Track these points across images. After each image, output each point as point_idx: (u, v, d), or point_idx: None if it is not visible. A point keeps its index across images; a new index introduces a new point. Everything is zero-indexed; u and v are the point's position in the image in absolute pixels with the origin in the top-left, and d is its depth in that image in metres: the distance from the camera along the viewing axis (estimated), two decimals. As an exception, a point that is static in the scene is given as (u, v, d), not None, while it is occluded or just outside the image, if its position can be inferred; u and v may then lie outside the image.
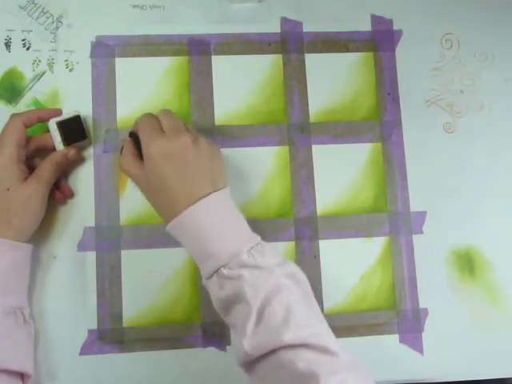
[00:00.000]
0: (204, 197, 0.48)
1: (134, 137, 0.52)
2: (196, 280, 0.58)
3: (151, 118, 0.51)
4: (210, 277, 0.48)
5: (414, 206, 0.61)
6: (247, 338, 0.44)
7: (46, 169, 0.54)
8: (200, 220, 0.48)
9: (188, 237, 0.49)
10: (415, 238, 0.61)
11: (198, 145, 0.50)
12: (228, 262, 0.46)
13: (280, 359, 0.43)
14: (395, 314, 0.59)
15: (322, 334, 0.45)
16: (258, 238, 0.49)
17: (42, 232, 0.56)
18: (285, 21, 0.63)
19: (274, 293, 0.45)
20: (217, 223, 0.48)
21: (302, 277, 0.48)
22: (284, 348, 0.43)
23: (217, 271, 0.47)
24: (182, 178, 0.48)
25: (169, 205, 0.49)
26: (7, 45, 0.60)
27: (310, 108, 0.62)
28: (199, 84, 0.61)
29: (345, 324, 0.59)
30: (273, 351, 0.44)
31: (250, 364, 0.45)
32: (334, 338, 0.46)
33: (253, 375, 0.46)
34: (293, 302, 0.45)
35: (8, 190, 0.51)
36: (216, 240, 0.47)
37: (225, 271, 0.46)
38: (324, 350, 0.43)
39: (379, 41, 0.64)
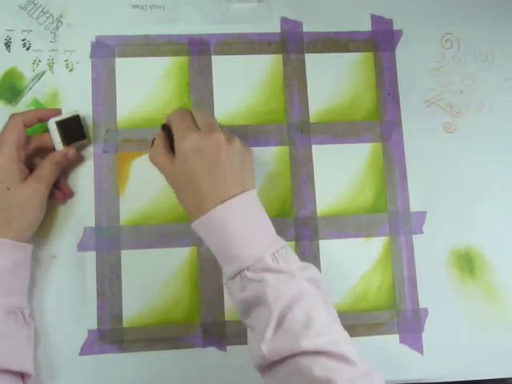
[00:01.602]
0: (233, 197, 0.47)
1: (167, 130, 0.51)
2: (196, 280, 0.58)
3: (186, 113, 0.51)
4: (233, 278, 0.48)
5: (414, 206, 0.61)
6: (266, 342, 0.44)
7: (46, 168, 0.54)
8: (227, 220, 0.47)
9: (213, 236, 0.48)
10: (415, 238, 0.61)
11: (232, 144, 0.49)
12: (252, 265, 0.46)
13: (297, 365, 0.43)
14: (395, 313, 0.59)
15: (341, 341, 0.45)
16: (282, 242, 0.49)
17: (41, 232, 0.56)
18: (285, 21, 0.63)
19: (296, 299, 0.45)
20: (243, 225, 0.47)
21: (321, 280, 0.48)
22: (302, 354, 0.43)
23: (240, 273, 0.47)
24: (211, 175, 0.48)
25: (196, 202, 0.48)
26: (7, 45, 0.60)
27: (310, 108, 0.62)
28: (199, 84, 0.61)
29: (345, 324, 0.58)
30: (291, 356, 0.44)
31: (266, 367, 0.45)
32: (352, 343, 0.46)
33: (268, 378, 0.46)
34: (313, 308, 0.45)
35: (8, 189, 0.51)
36: (241, 242, 0.47)
37: (248, 273, 0.46)
38: (342, 358, 0.43)
39: (379, 41, 0.64)
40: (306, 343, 0.43)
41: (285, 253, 0.48)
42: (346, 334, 0.46)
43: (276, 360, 0.44)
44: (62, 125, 0.55)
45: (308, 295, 0.46)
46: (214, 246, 0.49)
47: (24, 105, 0.59)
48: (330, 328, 0.46)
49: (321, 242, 0.60)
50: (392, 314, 0.59)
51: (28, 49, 0.60)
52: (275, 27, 0.63)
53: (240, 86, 0.62)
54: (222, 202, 0.47)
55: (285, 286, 0.46)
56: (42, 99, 0.59)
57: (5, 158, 0.52)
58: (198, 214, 0.48)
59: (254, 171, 0.51)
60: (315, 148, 0.61)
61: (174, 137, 0.50)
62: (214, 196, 0.47)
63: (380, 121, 0.62)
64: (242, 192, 0.48)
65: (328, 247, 0.60)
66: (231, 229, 0.47)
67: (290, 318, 0.44)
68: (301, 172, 0.61)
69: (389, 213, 0.61)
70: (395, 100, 0.63)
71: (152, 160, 0.52)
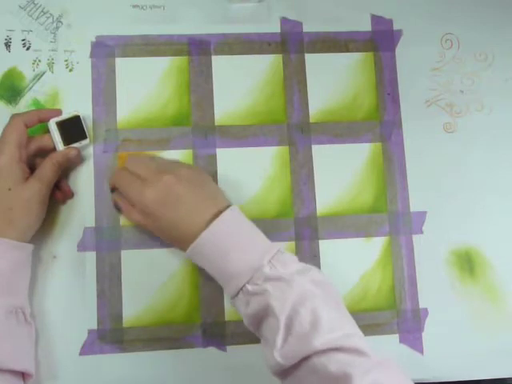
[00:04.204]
0: (213, 218, 0.49)
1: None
2: (196, 280, 0.58)
3: (125, 173, 0.53)
4: (236, 295, 0.48)
5: (414, 205, 0.61)
6: (278, 350, 0.45)
7: (47, 169, 0.54)
8: (217, 239, 0.48)
9: (208, 258, 0.50)
10: (415, 238, 0.61)
11: (181, 176, 0.51)
12: (251, 277, 0.47)
13: (312, 365, 0.44)
14: (395, 313, 0.59)
15: (351, 334, 0.46)
16: (276, 246, 0.49)
17: (42, 232, 0.56)
18: (285, 21, 0.63)
19: (300, 302, 0.46)
20: (234, 239, 0.49)
21: (325, 279, 0.49)
22: (316, 354, 0.44)
23: (242, 288, 0.48)
24: (183, 210, 0.50)
25: (183, 236, 0.50)
26: (7, 45, 0.60)
27: (310, 108, 0.62)
28: (199, 84, 0.61)
29: (345, 324, 0.59)
30: (305, 358, 0.44)
31: (284, 373, 0.46)
32: (363, 336, 0.46)
33: (286, 382, 0.46)
34: (319, 307, 0.46)
35: (10, 190, 0.51)
36: (235, 257, 0.48)
37: (249, 287, 0.47)
38: (355, 351, 0.44)
39: (379, 41, 0.64)
40: (318, 342, 0.44)
41: (281, 256, 0.48)
42: (356, 327, 0.47)
43: (292, 365, 0.44)
44: (62, 125, 0.55)
45: (312, 296, 0.46)
46: (211, 268, 0.50)
47: (24, 105, 0.59)
48: (339, 323, 0.46)
49: (321, 242, 0.60)
50: (392, 313, 0.59)
51: (28, 49, 0.60)
52: (275, 27, 0.63)
53: (240, 85, 0.62)
54: (206, 225, 0.48)
55: (287, 293, 0.46)
56: (42, 99, 0.59)
57: (6, 157, 0.52)
58: (188, 243, 0.49)
59: (217, 185, 0.53)
60: (315, 148, 0.61)
61: (131, 199, 0.52)
62: (196, 225, 0.49)
63: (380, 121, 0.62)
64: (223, 210, 0.49)
65: (328, 247, 0.60)
66: (221, 249, 0.48)
67: (297, 322, 0.45)
68: (301, 172, 0.61)
69: (389, 213, 0.61)
70: (395, 100, 0.63)
71: (133, 221, 0.55)
